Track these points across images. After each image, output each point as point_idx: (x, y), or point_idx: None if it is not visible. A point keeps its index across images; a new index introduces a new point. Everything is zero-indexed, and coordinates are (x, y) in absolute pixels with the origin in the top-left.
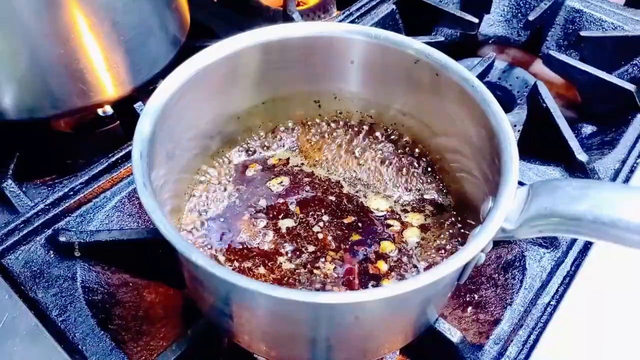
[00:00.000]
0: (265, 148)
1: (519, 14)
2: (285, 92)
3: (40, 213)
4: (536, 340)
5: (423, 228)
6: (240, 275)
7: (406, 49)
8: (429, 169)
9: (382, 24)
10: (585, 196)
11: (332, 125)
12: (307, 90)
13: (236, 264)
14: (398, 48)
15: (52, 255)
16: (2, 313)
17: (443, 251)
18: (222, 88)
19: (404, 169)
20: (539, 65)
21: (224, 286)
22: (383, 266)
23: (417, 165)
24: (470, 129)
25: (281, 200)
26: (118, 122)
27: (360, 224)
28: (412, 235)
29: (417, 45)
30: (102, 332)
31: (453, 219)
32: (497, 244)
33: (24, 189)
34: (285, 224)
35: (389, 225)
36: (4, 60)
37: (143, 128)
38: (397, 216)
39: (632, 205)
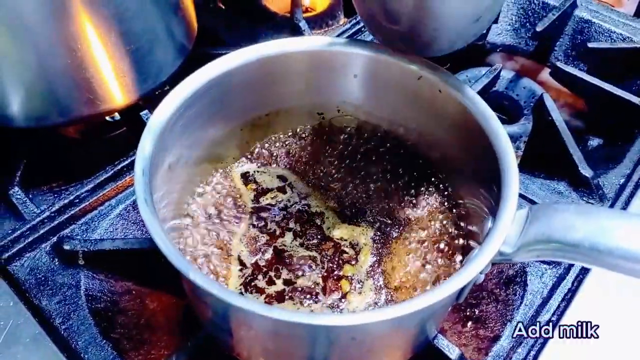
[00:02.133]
0: (266, 160)
1: (527, 24)
2: (289, 105)
3: (45, 220)
4: (535, 358)
5: (418, 246)
6: (236, 295)
7: (409, 64)
8: (430, 185)
9: None
10: (583, 223)
11: (335, 137)
12: (310, 103)
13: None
14: (401, 63)
15: (56, 263)
16: (6, 319)
17: (443, 269)
18: (224, 101)
19: (405, 184)
20: (546, 75)
21: (221, 304)
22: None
23: (418, 180)
24: (471, 147)
25: (280, 215)
26: (125, 128)
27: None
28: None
29: (420, 61)
30: (104, 340)
31: (453, 237)
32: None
33: (30, 196)
34: (283, 240)
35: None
36: (12, 68)
37: (145, 145)
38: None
39: (628, 233)
